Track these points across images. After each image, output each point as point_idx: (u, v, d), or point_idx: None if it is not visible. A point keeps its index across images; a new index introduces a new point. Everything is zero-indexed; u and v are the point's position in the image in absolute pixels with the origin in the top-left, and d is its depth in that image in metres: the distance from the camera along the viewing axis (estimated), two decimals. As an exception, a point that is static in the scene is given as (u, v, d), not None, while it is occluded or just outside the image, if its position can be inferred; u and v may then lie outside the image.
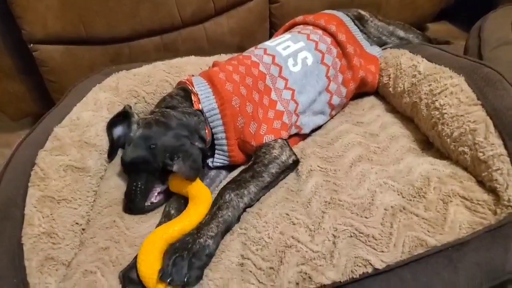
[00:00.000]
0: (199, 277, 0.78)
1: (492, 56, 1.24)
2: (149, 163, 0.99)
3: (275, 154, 1.00)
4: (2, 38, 1.48)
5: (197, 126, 1.07)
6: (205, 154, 1.06)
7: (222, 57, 1.44)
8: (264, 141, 1.03)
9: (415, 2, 1.86)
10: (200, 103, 1.09)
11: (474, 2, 2.01)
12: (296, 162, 1.03)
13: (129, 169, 1.03)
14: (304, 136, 1.18)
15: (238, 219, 0.89)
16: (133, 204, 0.97)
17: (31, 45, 1.43)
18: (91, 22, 1.42)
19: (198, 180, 0.96)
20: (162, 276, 0.76)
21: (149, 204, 0.99)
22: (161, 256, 0.80)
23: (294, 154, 1.04)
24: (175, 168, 0.93)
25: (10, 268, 0.79)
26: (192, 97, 1.11)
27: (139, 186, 0.97)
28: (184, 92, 1.14)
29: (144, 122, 1.07)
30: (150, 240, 0.81)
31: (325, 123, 1.23)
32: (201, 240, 0.81)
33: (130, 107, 1.17)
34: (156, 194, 1.01)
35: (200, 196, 0.92)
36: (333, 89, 1.20)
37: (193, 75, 1.20)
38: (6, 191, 0.90)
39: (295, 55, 1.18)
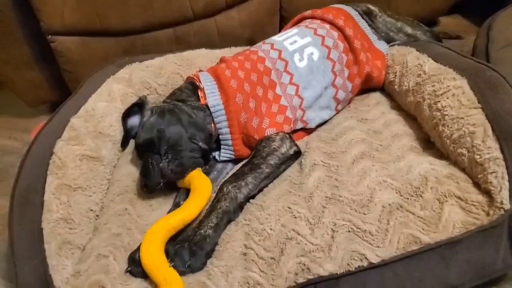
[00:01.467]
0: (202, 264, 0.84)
1: (499, 56, 1.24)
2: (155, 145, 1.04)
3: (275, 146, 1.03)
4: (22, 29, 1.53)
5: (204, 121, 1.12)
6: (205, 153, 1.10)
7: (233, 50, 1.47)
8: (266, 134, 1.07)
9: (426, -4, 1.85)
10: (206, 98, 1.13)
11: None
12: (297, 153, 1.06)
13: (141, 150, 1.08)
14: (310, 131, 1.21)
15: (240, 209, 0.94)
16: (150, 179, 1.00)
17: (49, 36, 1.47)
18: (106, 15, 1.45)
19: (200, 173, 1.01)
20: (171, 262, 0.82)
21: (164, 181, 1.02)
22: (162, 246, 0.85)
23: (296, 145, 1.07)
24: (160, 165, 1.00)
25: (32, 250, 0.85)
26: (199, 92, 1.15)
27: (153, 162, 1.01)
28: (192, 86, 1.18)
29: (159, 110, 1.11)
30: (152, 230, 0.86)
31: (330, 118, 1.25)
32: (201, 231, 0.87)
33: (146, 97, 1.22)
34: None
35: (201, 188, 0.97)
36: (339, 84, 1.22)
37: (201, 70, 1.24)
38: (27, 178, 0.95)
39: (301, 50, 1.20)
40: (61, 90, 1.72)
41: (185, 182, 1.01)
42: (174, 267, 0.82)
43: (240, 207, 0.94)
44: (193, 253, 0.84)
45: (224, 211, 0.91)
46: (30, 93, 1.74)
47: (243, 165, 1.02)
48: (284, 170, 1.04)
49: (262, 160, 1.00)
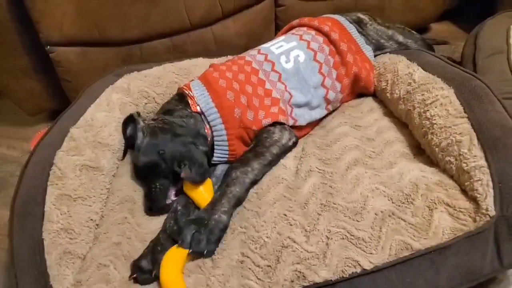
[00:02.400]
0: (215, 249, 0.89)
1: (486, 65, 1.27)
2: (161, 167, 1.05)
3: (276, 138, 1.09)
4: (21, 39, 1.55)
5: (197, 126, 1.13)
6: (209, 157, 1.12)
7: (229, 59, 1.49)
8: (263, 124, 1.11)
9: (418, 5, 1.88)
10: (198, 105, 1.15)
11: (477, 3, 2.02)
12: (295, 144, 1.12)
13: (143, 174, 1.08)
14: (303, 131, 1.24)
15: (246, 193, 0.99)
16: (155, 204, 1.03)
17: (48, 47, 1.49)
18: (105, 26, 1.48)
19: (203, 190, 1.02)
20: (182, 244, 0.87)
21: (169, 202, 1.05)
22: (182, 266, 0.87)
23: (294, 136, 1.13)
24: (182, 174, 1.01)
25: (32, 260, 0.86)
26: (189, 100, 1.16)
27: (158, 187, 1.03)
28: (179, 96, 1.21)
29: (149, 130, 1.11)
30: (173, 251, 0.88)
31: (324, 121, 1.28)
32: (215, 216, 0.92)
33: (139, 114, 1.22)
34: (173, 192, 1.07)
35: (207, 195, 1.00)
36: (328, 84, 1.26)
37: (192, 80, 1.26)
38: (27, 189, 0.97)
39: (287, 53, 1.24)
40: (60, 98, 1.74)
41: (192, 193, 1.03)
42: (192, 253, 0.86)
43: (247, 190, 0.99)
44: (209, 240, 0.88)
45: (234, 196, 0.95)
46: (29, 102, 1.76)
47: (246, 152, 1.06)
48: (282, 158, 1.09)
49: (265, 149, 1.05)
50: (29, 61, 1.63)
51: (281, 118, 1.13)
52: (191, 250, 0.86)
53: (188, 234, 0.88)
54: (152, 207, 1.04)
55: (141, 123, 1.18)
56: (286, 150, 1.10)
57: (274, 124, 1.13)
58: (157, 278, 0.86)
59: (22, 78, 1.66)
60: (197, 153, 1.06)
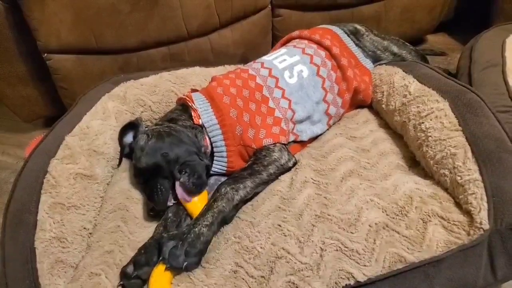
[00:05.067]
0: (197, 263, 0.87)
1: (481, 78, 1.28)
2: (163, 169, 1.04)
3: (275, 157, 1.08)
4: (18, 46, 1.56)
5: (197, 138, 1.14)
6: (208, 170, 1.12)
7: (226, 68, 1.50)
8: (263, 144, 1.10)
9: (414, 16, 1.90)
10: (200, 118, 1.15)
11: (473, 15, 2.05)
12: (294, 164, 1.11)
13: (145, 175, 1.08)
14: (303, 145, 1.24)
15: (235, 210, 0.97)
16: (159, 204, 1.02)
17: (45, 54, 1.50)
18: (101, 35, 1.48)
19: (197, 200, 1.02)
20: (163, 260, 0.86)
21: (170, 204, 1.04)
22: (171, 278, 0.87)
23: (293, 157, 1.12)
24: (181, 180, 1.01)
25: (24, 270, 0.86)
26: (192, 112, 1.17)
27: (160, 187, 1.02)
28: (182, 106, 1.21)
29: (156, 133, 1.12)
30: (157, 275, 0.87)
31: (322, 133, 1.28)
32: (196, 229, 0.90)
33: (141, 119, 1.23)
34: (172, 196, 1.05)
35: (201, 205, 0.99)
36: (330, 100, 1.26)
37: (193, 90, 1.27)
38: (20, 197, 0.96)
39: (291, 68, 1.24)
40: (56, 105, 1.75)
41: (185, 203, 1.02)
42: (170, 268, 0.85)
43: (235, 208, 0.98)
44: (187, 253, 0.86)
45: (220, 211, 0.93)
46: (24, 108, 1.76)
47: (243, 170, 1.05)
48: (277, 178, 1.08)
49: (262, 168, 1.04)
50: (26, 68, 1.63)
51: (282, 139, 1.13)
52: (168, 266, 0.85)
53: (167, 249, 0.88)
54: (155, 207, 1.03)
55: (144, 127, 1.18)
56: (284, 170, 1.09)
57: (274, 143, 1.12)
58: (145, 283, 0.86)
59: (18, 85, 1.66)
60: (199, 165, 1.06)
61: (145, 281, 0.87)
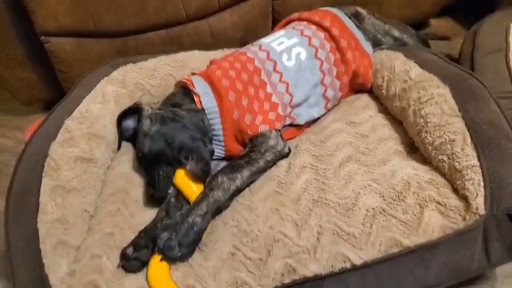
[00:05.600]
0: (191, 253, 0.88)
1: (483, 63, 1.27)
2: (167, 155, 1.04)
3: (272, 144, 1.07)
4: (15, 29, 1.54)
5: (204, 123, 1.13)
6: (212, 155, 1.11)
7: (225, 52, 1.48)
8: (259, 130, 1.10)
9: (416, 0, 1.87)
10: (201, 102, 1.15)
11: (478, -1, 2.01)
12: (289, 151, 1.11)
13: (148, 161, 1.07)
14: (300, 129, 1.24)
15: (230, 199, 0.98)
16: (159, 192, 1.02)
17: (43, 37, 1.48)
18: (100, 17, 1.46)
19: (193, 184, 1.01)
20: (158, 250, 0.88)
21: (170, 191, 1.04)
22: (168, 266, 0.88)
23: (288, 144, 1.12)
24: (188, 167, 1.00)
25: (28, 250, 0.87)
26: (195, 98, 1.17)
27: (162, 174, 1.02)
28: (184, 90, 1.20)
29: (159, 118, 1.11)
30: (155, 263, 0.88)
31: (320, 118, 1.28)
32: (189, 219, 0.90)
33: (141, 103, 1.23)
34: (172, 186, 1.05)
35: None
36: (328, 83, 1.26)
37: (193, 74, 1.26)
38: (22, 180, 0.97)
39: (289, 50, 1.23)
40: (55, 89, 1.73)
41: (185, 189, 1.02)
42: (164, 259, 0.86)
43: (231, 197, 0.98)
44: (180, 244, 0.88)
45: (215, 201, 0.94)
46: (23, 91, 1.75)
47: (240, 158, 1.05)
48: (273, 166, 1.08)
49: (260, 155, 1.04)
50: (24, 50, 1.62)
51: (277, 126, 1.13)
52: (162, 257, 0.87)
53: (161, 241, 0.89)
54: (155, 194, 1.03)
55: (148, 110, 1.17)
56: (281, 157, 1.09)
57: (270, 129, 1.12)
58: (144, 265, 0.89)
59: (16, 68, 1.65)
60: (205, 151, 1.06)
61: (144, 263, 0.89)
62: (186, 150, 1.04)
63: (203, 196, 0.95)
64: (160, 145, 1.05)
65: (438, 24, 2.16)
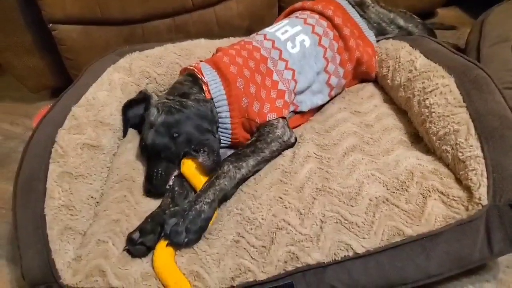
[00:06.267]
0: (197, 239, 0.90)
1: (490, 53, 1.25)
2: (171, 150, 1.04)
3: (278, 133, 1.08)
4: (24, 16, 1.55)
5: (212, 112, 1.13)
6: (220, 144, 1.11)
7: (231, 40, 1.48)
8: (267, 118, 1.10)
9: (423, -11, 1.85)
10: (210, 91, 1.14)
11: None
12: (295, 141, 1.11)
13: (149, 153, 1.07)
14: (305, 117, 1.24)
15: (236, 187, 0.99)
16: (155, 188, 1.03)
17: (51, 25, 1.49)
18: (106, 5, 1.47)
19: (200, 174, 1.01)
20: (164, 236, 0.89)
21: (168, 187, 1.04)
22: (174, 252, 0.89)
23: (294, 134, 1.12)
24: (200, 159, 0.99)
25: (35, 234, 0.89)
26: (204, 87, 1.15)
27: (160, 171, 1.02)
28: (192, 77, 1.19)
29: (165, 108, 1.10)
30: (161, 249, 0.89)
31: (324, 107, 1.28)
32: (197, 206, 0.92)
33: (147, 91, 1.23)
34: (173, 177, 1.05)
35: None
36: (331, 70, 1.26)
37: (201, 61, 1.26)
38: (30, 166, 0.99)
39: (293, 38, 1.23)
40: (62, 76, 1.75)
41: (193, 179, 1.02)
42: (171, 244, 0.88)
43: (236, 186, 0.99)
44: (188, 230, 0.89)
45: (221, 189, 0.95)
46: (31, 79, 1.77)
47: (246, 147, 1.05)
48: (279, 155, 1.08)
49: (265, 145, 1.05)
50: (32, 38, 1.63)
51: (285, 113, 1.14)
52: (169, 242, 0.88)
53: (168, 226, 0.90)
54: (152, 190, 1.04)
55: (155, 99, 1.17)
56: (287, 147, 1.09)
57: (278, 117, 1.12)
58: (150, 250, 0.90)
59: (24, 55, 1.66)
60: (215, 142, 1.06)
61: (150, 248, 0.90)
62: (195, 143, 1.03)
63: (210, 184, 0.96)
64: (163, 140, 1.05)
65: (445, 14, 2.13)
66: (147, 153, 1.09)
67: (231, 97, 1.12)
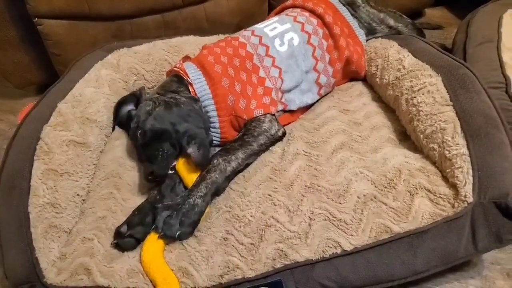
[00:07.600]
0: (190, 232, 0.90)
1: (475, 53, 1.27)
2: (171, 136, 1.01)
3: (265, 127, 1.08)
4: (8, 10, 1.52)
5: (202, 111, 1.12)
6: (211, 145, 1.10)
7: (221, 37, 1.47)
8: (254, 114, 1.11)
9: (413, -12, 1.87)
10: (195, 90, 1.13)
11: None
12: (284, 134, 1.12)
13: (149, 138, 1.03)
14: (294, 115, 1.24)
15: (227, 181, 0.99)
16: (159, 168, 0.97)
17: (36, 19, 1.46)
18: (95, 0, 1.45)
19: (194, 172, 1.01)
20: (156, 228, 0.89)
21: (172, 171, 1.01)
22: (163, 248, 0.88)
23: (282, 127, 1.12)
24: (189, 150, 0.98)
25: (18, 233, 0.88)
26: (189, 87, 1.14)
27: (163, 151, 0.99)
28: (178, 78, 1.17)
29: (163, 102, 1.08)
30: (150, 243, 0.89)
31: (314, 105, 1.28)
32: (190, 200, 0.92)
33: (144, 88, 1.22)
34: (173, 164, 1.02)
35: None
36: (321, 69, 1.26)
37: (185, 58, 1.25)
38: (13, 163, 0.97)
39: (281, 35, 1.23)
40: (48, 72, 1.72)
41: (186, 177, 1.02)
42: (163, 236, 0.87)
43: (228, 179, 0.99)
44: (181, 223, 0.89)
45: (213, 182, 0.95)
46: (16, 74, 1.74)
47: (234, 141, 1.06)
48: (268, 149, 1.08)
49: (253, 139, 1.05)
50: (17, 32, 1.60)
51: (272, 110, 1.14)
52: (162, 234, 0.88)
53: (161, 218, 0.90)
54: (156, 170, 0.97)
55: (148, 94, 1.16)
56: (275, 140, 1.09)
57: (265, 113, 1.12)
58: (139, 243, 0.90)
59: (9, 50, 1.63)
60: (207, 139, 1.05)
61: (138, 240, 0.90)
62: (188, 134, 1.02)
63: (201, 178, 0.96)
64: (164, 125, 1.02)
65: (432, 14, 2.16)
66: (146, 138, 1.03)
67: (216, 96, 1.11)
